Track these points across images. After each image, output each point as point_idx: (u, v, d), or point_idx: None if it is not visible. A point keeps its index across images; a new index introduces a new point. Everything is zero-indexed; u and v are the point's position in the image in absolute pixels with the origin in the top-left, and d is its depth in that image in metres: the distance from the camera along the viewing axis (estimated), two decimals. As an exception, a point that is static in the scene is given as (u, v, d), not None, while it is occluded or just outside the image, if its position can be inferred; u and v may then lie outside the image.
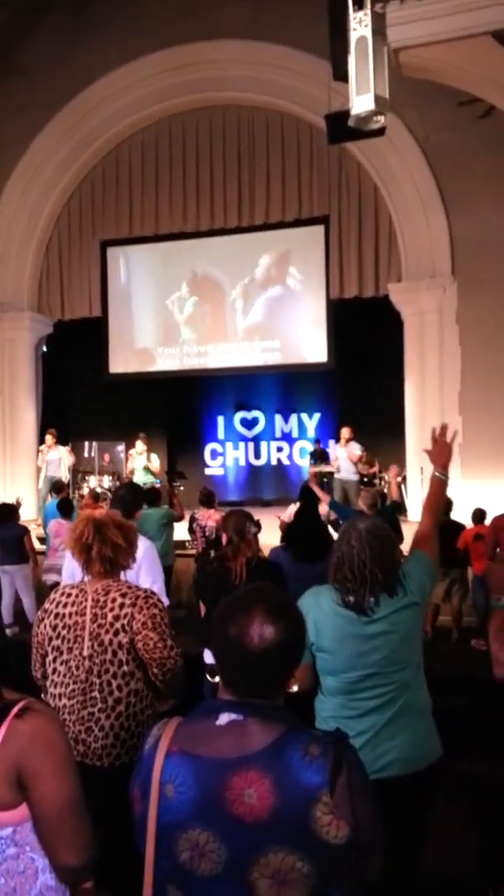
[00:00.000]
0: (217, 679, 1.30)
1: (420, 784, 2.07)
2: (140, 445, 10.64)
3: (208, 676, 2.17)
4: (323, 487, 11.07)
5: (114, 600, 2.23)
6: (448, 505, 6.70)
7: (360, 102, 6.12)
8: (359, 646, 2.10)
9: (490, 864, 2.26)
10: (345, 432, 10.10)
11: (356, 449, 9.93)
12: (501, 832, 2.09)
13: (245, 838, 1.14)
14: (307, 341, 11.74)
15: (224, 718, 1.22)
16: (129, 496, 3.53)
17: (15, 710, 1.33)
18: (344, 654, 2.12)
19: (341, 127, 7.32)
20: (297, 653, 1.29)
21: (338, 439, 10.34)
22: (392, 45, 6.75)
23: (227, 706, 1.24)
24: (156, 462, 10.65)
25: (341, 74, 6.97)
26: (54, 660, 2.25)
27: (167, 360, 12.44)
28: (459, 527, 6.57)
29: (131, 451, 10.92)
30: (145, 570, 3.21)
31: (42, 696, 2.32)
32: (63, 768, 1.34)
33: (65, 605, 2.27)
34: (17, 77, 11.60)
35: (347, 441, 9.98)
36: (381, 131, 7.07)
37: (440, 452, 2.55)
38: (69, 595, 2.29)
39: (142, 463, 10.46)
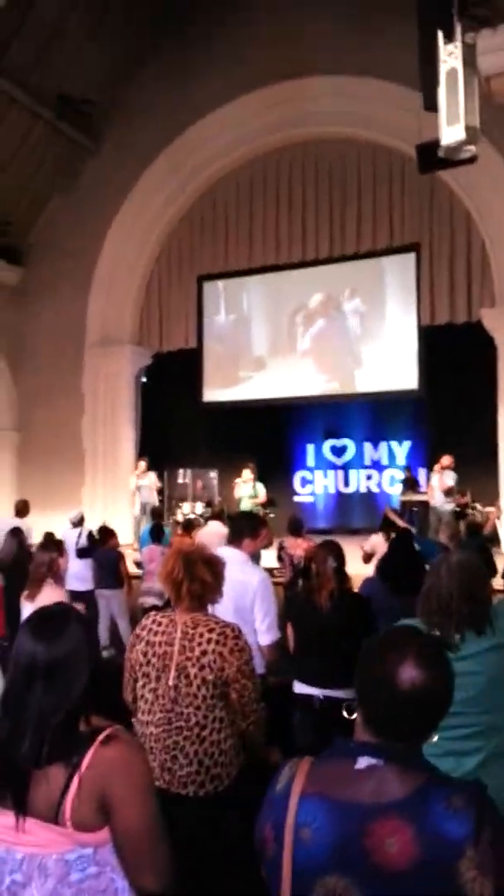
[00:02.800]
0: (354, 716, 1.29)
1: None
2: (247, 474, 10.78)
3: (345, 713, 2.20)
4: (412, 516, 10.91)
5: (202, 635, 2.31)
6: None
7: (450, 133, 6.13)
8: None
9: None
10: (444, 460, 9.92)
11: (448, 479, 9.76)
12: None
13: (385, 888, 1.10)
14: (398, 368, 11.65)
15: (363, 762, 1.19)
16: (241, 520, 3.65)
17: (101, 736, 1.39)
18: None
19: (432, 156, 7.31)
20: (445, 703, 1.24)
21: (430, 468, 10.13)
22: (483, 73, 6.71)
23: (366, 749, 1.21)
24: (262, 492, 10.70)
25: (431, 104, 6.99)
26: (143, 686, 2.35)
27: (260, 388, 12.61)
28: None
29: (237, 480, 11.06)
30: (259, 602, 3.27)
31: (133, 718, 2.43)
32: (144, 795, 1.40)
33: (155, 634, 2.37)
34: (126, 118, 12.32)
35: (443, 468, 9.81)
36: (472, 160, 7.02)
37: None
38: (160, 624, 2.39)
39: (247, 491, 10.59)
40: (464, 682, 2.03)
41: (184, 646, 2.30)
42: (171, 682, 2.29)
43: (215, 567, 2.41)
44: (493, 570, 5.44)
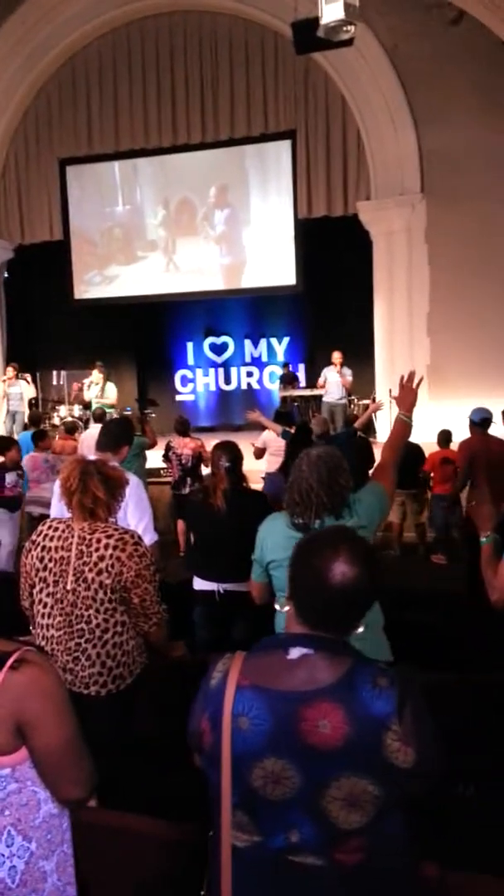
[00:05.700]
0: (286, 609, 1.36)
1: None
2: (96, 375, 10.16)
3: (277, 606, 2.28)
4: (293, 411, 11.17)
5: (99, 541, 2.28)
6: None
7: (330, 11, 5.88)
8: None
9: (455, 761, 2.46)
10: (336, 357, 10.01)
11: (349, 374, 9.98)
12: (467, 731, 2.27)
13: (320, 765, 1.21)
14: (275, 263, 11.55)
15: (295, 652, 1.27)
16: (118, 430, 3.52)
17: (10, 661, 1.35)
18: None
19: (309, 36, 7.02)
20: (371, 599, 1.34)
21: (308, 363, 10.14)
22: None
23: (297, 640, 1.29)
24: (111, 393, 10.17)
25: (308, -22, 6.63)
26: (41, 591, 2.33)
27: (135, 284, 12.15)
28: (416, 448, 6.69)
29: (85, 381, 10.49)
30: (133, 508, 3.25)
31: (30, 625, 2.41)
32: (61, 716, 1.39)
33: (51, 539, 2.33)
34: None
35: (341, 365, 9.98)
36: (349, 41, 6.79)
37: (405, 397, 2.67)
38: (56, 529, 2.35)
39: (95, 393, 10.06)
40: None
41: (81, 551, 2.28)
42: (69, 587, 2.28)
43: (113, 483, 2.34)
44: (370, 456, 5.70)
